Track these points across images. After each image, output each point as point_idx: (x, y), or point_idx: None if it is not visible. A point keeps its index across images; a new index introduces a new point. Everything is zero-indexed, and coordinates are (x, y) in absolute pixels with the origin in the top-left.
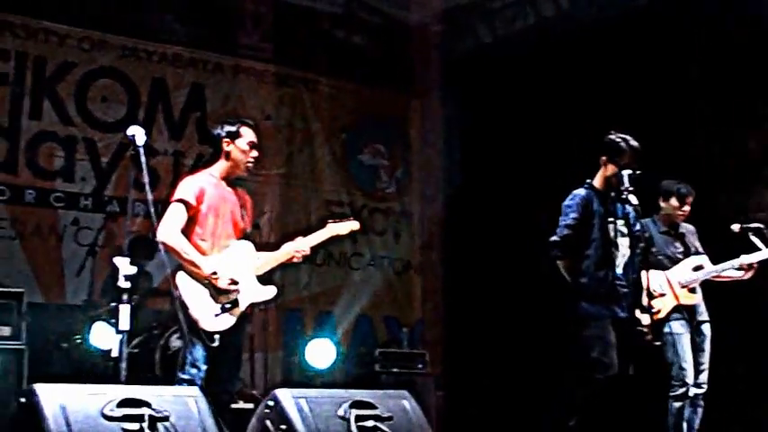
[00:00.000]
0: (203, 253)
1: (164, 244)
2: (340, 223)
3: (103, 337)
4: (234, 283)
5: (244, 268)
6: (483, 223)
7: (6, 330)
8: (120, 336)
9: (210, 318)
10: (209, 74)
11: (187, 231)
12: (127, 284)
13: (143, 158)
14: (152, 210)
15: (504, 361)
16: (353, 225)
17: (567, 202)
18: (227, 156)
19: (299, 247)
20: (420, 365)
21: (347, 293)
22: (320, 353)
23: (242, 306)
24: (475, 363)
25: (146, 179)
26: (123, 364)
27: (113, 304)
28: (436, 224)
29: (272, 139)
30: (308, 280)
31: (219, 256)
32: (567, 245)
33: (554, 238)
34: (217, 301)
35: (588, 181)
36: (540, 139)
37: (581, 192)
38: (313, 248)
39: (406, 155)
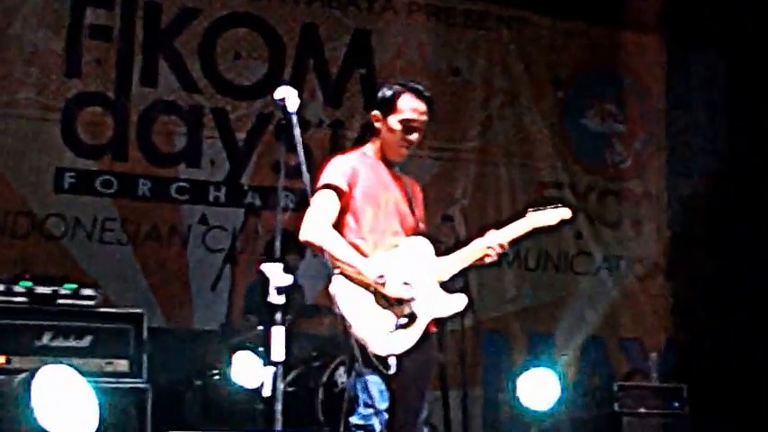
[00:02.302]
0: (363, 255)
1: (310, 244)
2: (544, 211)
3: (249, 370)
4: (408, 286)
5: (421, 272)
6: (759, 209)
7: (123, 365)
8: (272, 369)
9: (382, 337)
10: (375, 15)
11: (339, 226)
12: (280, 300)
13: (297, 131)
14: (311, 199)
15: None
16: (564, 213)
17: None
18: (378, 134)
19: (492, 242)
20: (676, 404)
21: (571, 308)
22: (538, 389)
23: (422, 321)
24: (747, 398)
25: (301, 158)
26: (278, 407)
27: (261, 328)
28: (693, 211)
29: (462, 102)
30: (516, 291)
31: (386, 256)
32: None
33: None
34: (393, 315)
35: None
36: None
37: None
38: (512, 244)
39: (649, 117)
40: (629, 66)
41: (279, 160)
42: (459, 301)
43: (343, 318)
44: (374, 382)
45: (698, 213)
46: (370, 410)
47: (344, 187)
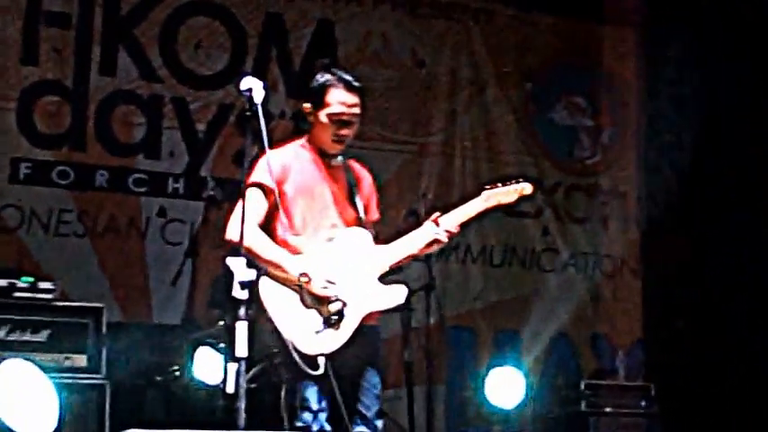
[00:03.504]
0: (295, 252)
1: (234, 244)
2: (500, 188)
3: (211, 367)
4: (331, 284)
5: (357, 265)
6: (729, 206)
7: (81, 360)
8: (235, 365)
9: (310, 336)
10: (341, 6)
11: (271, 224)
12: (244, 294)
13: (262, 122)
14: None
15: (760, 395)
16: (523, 188)
17: None
18: (312, 126)
19: (441, 226)
20: (643, 403)
21: (538, 305)
22: (504, 387)
23: (354, 316)
24: (717, 399)
25: (267, 150)
26: (242, 404)
27: (223, 323)
28: (662, 207)
29: (428, 95)
30: (482, 287)
31: (320, 250)
32: None
33: None
34: (319, 314)
35: None
36: None
37: None
38: (466, 225)
39: (618, 112)
40: (598, 59)
41: (242, 152)
42: (398, 294)
43: (270, 319)
44: (306, 384)
45: (668, 210)
46: (308, 415)
47: (271, 185)
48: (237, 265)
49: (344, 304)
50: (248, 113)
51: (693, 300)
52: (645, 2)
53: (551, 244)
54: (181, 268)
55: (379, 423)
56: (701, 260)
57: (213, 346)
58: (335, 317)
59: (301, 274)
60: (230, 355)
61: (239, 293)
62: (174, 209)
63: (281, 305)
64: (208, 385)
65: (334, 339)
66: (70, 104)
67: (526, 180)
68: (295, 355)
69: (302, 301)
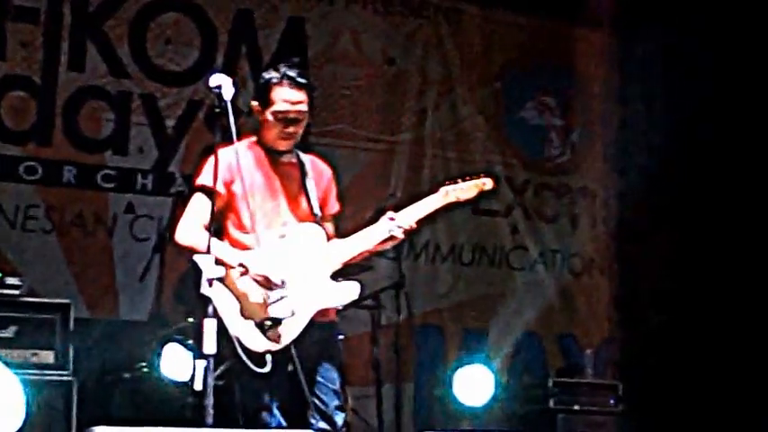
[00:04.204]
0: (247, 249)
1: (181, 246)
2: (459, 184)
3: (179, 363)
4: (268, 281)
5: (308, 261)
6: (703, 205)
7: (48, 356)
8: (203, 362)
9: (257, 334)
10: (312, 3)
11: (222, 224)
12: (212, 291)
13: (231, 118)
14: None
15: (727, 395)
16: (483, 182)
17: None
18: (262, 123)
19: (398, 222)
20: (612, 401)
21: (506, 303)
22: (472, 385)
23: (305, 313)
24: (687, 398)
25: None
26: (209, 400)
27: (191, 319)
28: (631, 206)
29: (397, 92)
30: (450, 285)
31: (272, 248)
32: None
33: None
34: (264, 309)
35: None
36: None
37: None
38: (425, 222)
39: (587, 111)
40: (568, 59)
41: (211, 148)
42: (350, 291)
43: (219, 318)
44: (256, 381)
45: (636, 209)
46: (265, 413)
47: (217, 186)
48: (205, 262)
49: (292, 313)
50: (217, 110)
51: (661, 299)
52: (616, 2)
53: (521, 242)
54: (149, 264)
55: (340, 418)
56: (669, 260)
57: (181, 342)
58: (269, 322)
59: (239, 264)
60: (198, 352)
61: (207, 290)
62: (142, 205)
63: (229, 304)
64: (176, 382)
65: (283, 336)
66: (38, 100)
67: (493, 178)
68: (241, 353)
69: (250, 299)
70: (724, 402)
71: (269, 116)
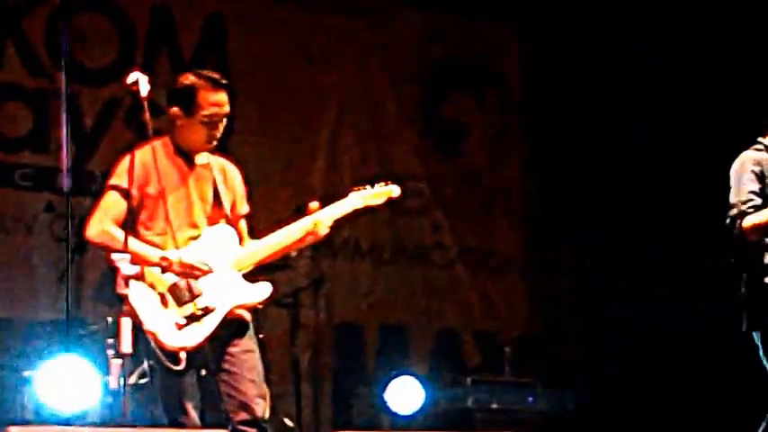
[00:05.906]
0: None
1: (92, 242)
2: (368, 191)
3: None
4: (194, 268)
5: (220, 262)
6: (619, 201)
7: None
8: (119, 361)
9: (172, 332)
10: None
11: (134, 225)
12: (129, 291)
13: (147, 115)
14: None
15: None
16: (391, 191)
17: (736, 167)
18: (177, 126)
19: (311, 223)
20: (530, 399)
21: (426, 301)
22: (402, 396)
23: (217, 312)
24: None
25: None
26: (126, 400)
27: (110, 319)
28: (548, 203)
29: (317, 91)
30: (370, 283)
31: (184, 248)
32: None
33: (734, 212)
34: (181, 306)
35: (760, 140)
36: (697, 83)
37: (753, 154)
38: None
39: (506, 109)
40: (486, 56)
41: (130, 146)
42: (262, 290)
43: (136, 315)
44: (170, 379)
45: (553, 207)
46: (180, 413)
47: (129, 187)
48: (122, 260)
49: (207, 311)
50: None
51: (578, 297)
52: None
53: (441, 240)
54: (68, 264)
55: (260, 408)
56: (585, 258)
57: (100, 341)
58: (200, 312)
59: (161, 258)
60: (115, 351)
61: (124, 290)
62: (62, 204)
63: (144, 302)
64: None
65: (197, 335)
66: None
67: (414, 176)
68: (156, 350)
69: (164, 297)
70: (642, 398)
71: (195, 122)
